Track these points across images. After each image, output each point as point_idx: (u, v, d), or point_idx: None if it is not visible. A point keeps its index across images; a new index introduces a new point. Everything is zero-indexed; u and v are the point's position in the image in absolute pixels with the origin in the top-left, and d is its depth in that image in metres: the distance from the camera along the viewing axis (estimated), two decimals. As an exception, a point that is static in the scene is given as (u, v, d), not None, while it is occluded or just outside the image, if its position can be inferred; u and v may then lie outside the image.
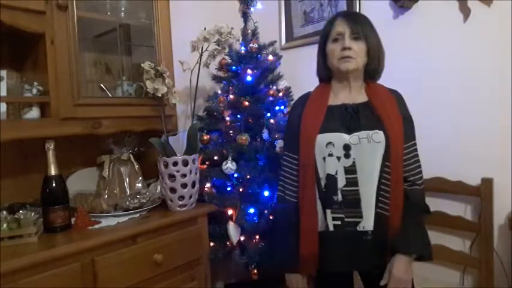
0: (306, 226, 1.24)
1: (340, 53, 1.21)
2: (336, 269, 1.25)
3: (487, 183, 1.57)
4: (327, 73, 1.31)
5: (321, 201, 1.23)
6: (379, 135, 1.18)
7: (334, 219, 1.20)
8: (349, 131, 1.20)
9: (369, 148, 1.18)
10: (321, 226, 1.23)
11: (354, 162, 1.19)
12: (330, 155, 1.20)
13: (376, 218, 1.18)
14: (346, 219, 1.19)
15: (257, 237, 1.69)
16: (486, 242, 1.57)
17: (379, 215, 1.18)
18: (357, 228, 1.19)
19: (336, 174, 1.20)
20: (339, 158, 1.19)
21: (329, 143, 1.20)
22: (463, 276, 1.70)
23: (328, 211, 1.21)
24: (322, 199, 1.22)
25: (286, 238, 1.28)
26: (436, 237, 1.70)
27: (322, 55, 1.29)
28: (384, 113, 1.21)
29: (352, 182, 1.19)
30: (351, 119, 1.22)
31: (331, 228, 1.21)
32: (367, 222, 1.18)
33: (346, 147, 1.19)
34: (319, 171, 1.22)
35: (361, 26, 1.21)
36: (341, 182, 1.19)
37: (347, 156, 1.19)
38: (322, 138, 1.21)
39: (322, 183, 1.22)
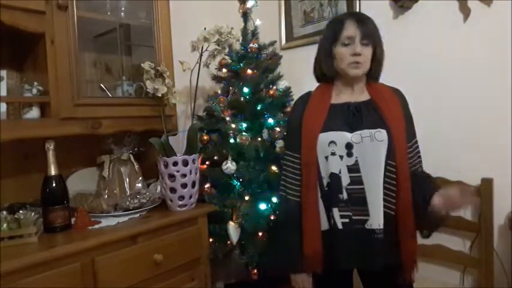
0: (308, 225, 1.24)
1: (350, 58, 1.21)
2: (346, 266, 1.25)
3: (487, 183, 1.57)
4: (332, 73, 1.29)
5: (323, 200, 1.23)
6: (381, 134, 1.18)
7: (342, 217, 1.20)
8: (351, 130, 1.20)
9: (372, 147, 1.17)
10: (324, 225, 1.23)
11: (356, 160, 1.18)
12: (333, 153, 1.20)
13: (384, 217, 1.18)
14: (353, 217, 1.19)
15: (260, 234, 1.69)
16: (486, 242, 1.57)
17: (385, 214, 1.18)
18: (365, 226, 1.19)
19: (340, 173, 1.19)
20: (341, 157, 1.19)
21: (331, 141, 1.20)
22: (463, 276, 1.70)
23: (335, 209, 1.20)
24: (325, 198, 1.22)
25: (290, 238, 1.28)
26: (436, 237, 1.69)
27: (329, 55, 1.27)
28: (387, 112, 1.21)
29: (357, 181, 1.19)
30: (353, 117, 1.23)
31: (339, 226, 1.20)
32: (375, 220, 1.18)
33: (349, 146, 1.19)
34: (321, 170, 1.22)
35: (370, 31, 1.21)
36: (345, 180, 1.19)
37: (349, 155, 1.19)
38: (324, 137, 1.20)
39: (325, 182, 1.22)
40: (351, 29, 1.21)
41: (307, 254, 1.24)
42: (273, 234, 1.63)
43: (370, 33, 1.21)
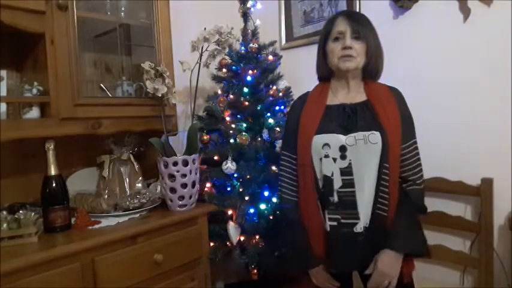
0: (314, 226, 1.24)
1: (340, 51, 1.21)
2: (334, 269, 1.26)
3: (487, 183, 1.57)
4: (327, 72, 1.30)
5: (320, 202, 1.23)
6: (375, 136, 1.17)
7: (330, 219, 1.20)
8: (346, 132, 1.20)
9: (365, 149, 1.17)
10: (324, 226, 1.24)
11: (350, 163, 1.18)
12: (326, 156, 1.20)
13: (373, 219, 1.18)
14: (342, 221, 1.19)
15: (257, 237, 1.69)
16: (486, 242, 1.57)
17: (377, 216, 1.18)
18: (354, 229, 1.18)
19: (332, 175, 1.19)
20: (334, 159, 1.19)
21: (325, 144, 1.20)
22: (463, 276, 1.70)
23: (326, 212, 1.21)
24: (321, 200, 1.23)
25: (295, 237, 1.29)
26: (436, 237, 1.70)
27: (323, 54, 1.29)
28: (382, 113, 1.20)
29: (349, 184, 1.18)
30: (348, 119, 1.22)
31: (327, 229, 1.21)
32: (364, 224, 1.18)
33: (342, 149, 1.18)
34: (316, 172, 1.22)
35: (361, 26, 1.21)
36: (337, 183, 1.19)
37: (343, 157, 1.18)
38: (318, 140, 1.20)
39: (320, 183, 1.22)
40: (341, 25, 1.22)
41: (318, 253, 1.24)
42: (279, 235, 1.63)
43: (361, 28, 1.21)
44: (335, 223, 1.20)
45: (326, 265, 1.26)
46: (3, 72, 1.39)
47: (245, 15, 1.92)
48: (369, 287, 1.21)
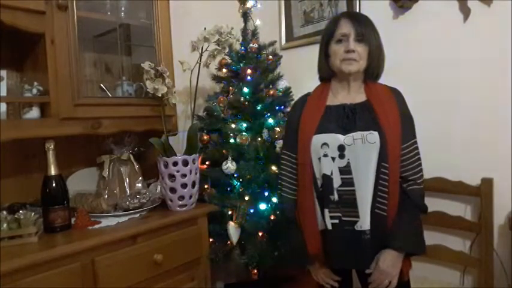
0: (308, 225, 1.25)
1: (343, 54, 1.21)
2: (336, 266, 1.27)
3: (487, 183, 1.57)
4: (328, 72, 1.31)
5: (318, 201, 1.24)
6: (373, 136, 1.17)
7: (331, 218, 1.21)
8: (344, 132, 1.20)
9: (363, 149, 1.18)
10: (321, 225, 1.24)
11: (348, 162, 1.19)
12: (325, 155, 1.20)
13: (373, 219, 1.18)
14: (343, 218, 1.20)
15: (260, 234, 1.69)
16: (486, 242, 1.57)
17: (377, 215, 1.18)
18: (355, 227, 1.19)
19: (331, 174, 1.20)
20: (333, 159, 1.20)
21: (324, 143, 1.20)
22: (463, 276, 1.70)
23: (326, 210, 1.21)
24: (319, 198, 1.23)
25: (293, 236, 1.30)
26: (436, 237, 1.70)
27: (325, 55, 1.29)
28: (382, 113, 1.20)
29: (348, 182, 1.19)
30: (347, 119, 1.23)
31: (329, 227, 1.21)
32: (364, 222, 1.18)
33: (341, 148, 1.19)
34: (315, 171, 1.23)
35: (365, 28, 1.21)
36: (336, 182, 1.20)
37: (341, 156, 1.19)
38: (317, 139, 1.21)
39: (319, 183, 1.23)
40: (345, 27, 1.22)
41: (311, 252, 1.25)
42: (279, 232, 1.64)
43: (364, 31, 1.21)
44: (336, 221, 1.21)
45: (323, 262, 1.27)
46: (3, 72, 1.39)
47: (245, 15, 1.92)
48: (370, 286, 1.22)
